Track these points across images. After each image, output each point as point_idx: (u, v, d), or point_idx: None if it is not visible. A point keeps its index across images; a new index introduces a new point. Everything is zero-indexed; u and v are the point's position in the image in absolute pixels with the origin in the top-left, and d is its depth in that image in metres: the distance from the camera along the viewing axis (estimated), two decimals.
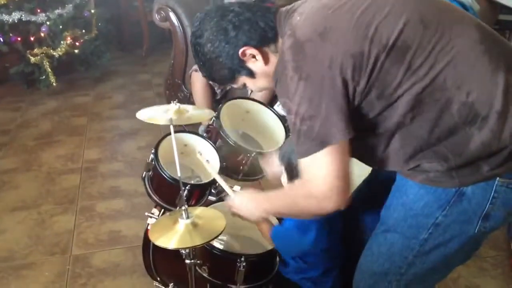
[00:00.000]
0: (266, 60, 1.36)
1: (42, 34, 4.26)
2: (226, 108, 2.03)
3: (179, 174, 1.41)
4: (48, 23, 4.24)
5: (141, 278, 2.35)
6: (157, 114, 1.68)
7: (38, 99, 4.53)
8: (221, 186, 2.01)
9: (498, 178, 1.24)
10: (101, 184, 3.22)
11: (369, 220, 1.66)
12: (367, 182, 1.79)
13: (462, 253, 1.40)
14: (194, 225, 1.36)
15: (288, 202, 1.40)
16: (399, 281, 1.43)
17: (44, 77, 4.41)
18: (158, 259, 2.01)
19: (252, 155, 1.90)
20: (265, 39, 1.34)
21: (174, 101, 1.71)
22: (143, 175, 1.90)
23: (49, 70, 4.33)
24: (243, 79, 1.44)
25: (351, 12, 1.21)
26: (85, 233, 2.76)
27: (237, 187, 1.97)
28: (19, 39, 4.29)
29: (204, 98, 3.37)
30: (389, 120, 1.24)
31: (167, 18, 3.71)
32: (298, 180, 1.35)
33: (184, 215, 1.36)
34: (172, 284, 2.01)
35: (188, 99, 3.67)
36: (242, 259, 1.62)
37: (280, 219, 1.69)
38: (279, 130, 2.08)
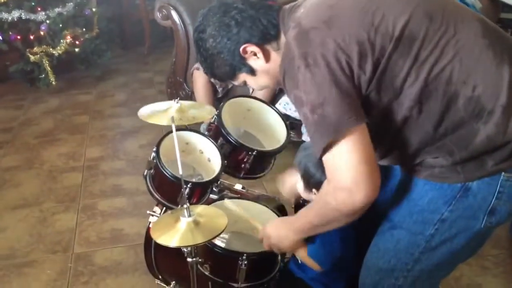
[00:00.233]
0: (267, 58, 1.36)
1: (42, 33, 4.27)
2: (228, 106, 2.02)
3: (180, 172, 1.40)
4: (48, 21, 4.24)
5: (143, 276, 2.36)
6: (159, 113, 1.68)
7: (40, 97, 4.53)
8: (223, 184, 2.02)
9: (503, 173, 1.24)
10: (103, 182, 3.23)
11: (374, 220, 1.65)
12: None
13: (468, 248, 1.40)
14: (196, 223, 1.36)
15: (318, 209, 1.34)
16: (406, 278, 1.43)
17: (43, 75, 4.42)
18: (160, 257, 2.01)
19: (254, 153, 1.90)
20: (267, 36, 1.34)
21: (176, 99, 1.71)
22: (145, 173, 1.89)
23: (49, 69, 4.35)
24: (244, 76, 1.43)
25: (357, 3, 1.21)
26: (87, 231, 2.76)
27: (238, 185, 1.97)
28: (18, 37, 4.30)
29: (206, 96, 3.38)
30: (395, 114, 1.23)
31: (168, 17, 3.71)
32: (324, 181, 1.30)
33: (185, 213, 1.35)
34: (173, 282, 2.01)
35: (190, 97, 3.67)
36: (244, 257, 1.62)
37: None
38: (280, 129, 2.08)
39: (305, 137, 3.00)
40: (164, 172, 1.77)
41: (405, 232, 1.38)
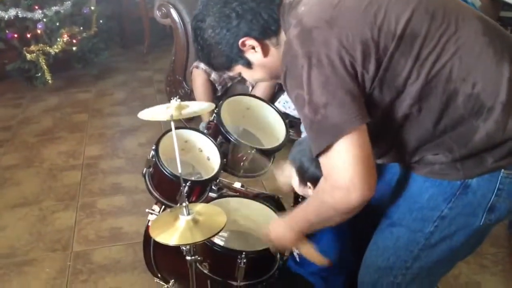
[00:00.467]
0: (265, 53, 1.35)
1: (39, 31, 4.26)
2: (227, 105, 2.03)
3: (179, 171, 1.40)
4: (44, 20, 4.24)
5: (142, 274, 2.36)
6: (158, 111, 1.68)
7: (39, 96, 4.53)
8: (221, 183, 2.02)
9: (503, 170, 1.24)
10: (102, 181, 3.23)
11: (373, 217, 1.65)
12: None
13: (467, 246, 1.40)
14: (195, 221, 1.36)
15: (315, 207, 1.35)
16: (405, 275, 1.42)
17: (40, 74, 4.41)
18: (158, 256, 2.01)
19: (253, 151, 1.90)
20: (267, 31, 1.32)
21: (175, 98, 1.71)
22: (144, 172, 1.90)
23: (45, 67, 4.34)
24: (239, 68, 1.42)
25: (359, 2, 1.20)
26: (86, 229, 2.76)
27: (237, 184, 1.97)
28: (15, 35, 4.30)
29: (205, 95, 3.38)
30: (396, 112, 1.23)
31: (168, 15, 3.71)
32: (321, 179, 1.29)
33: (185, 212, 1.35)
34: (172, 280, 2.01)
35: (189, 96, 3.67)
36: (243, 255, 1.62)
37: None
38: (279, 127, 2.08)
39: (305, 136, 3.00)
40: (163, 170, 1.77)
41: (405, 230, 1.38)
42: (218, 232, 1.35)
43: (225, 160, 1.91)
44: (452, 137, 1.23)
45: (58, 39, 4.32)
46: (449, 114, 1.20)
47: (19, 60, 4.39)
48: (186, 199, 1.42)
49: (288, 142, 2.01)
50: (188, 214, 1.35)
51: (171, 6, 3.67)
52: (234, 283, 1.67)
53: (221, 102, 2.02)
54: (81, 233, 2.73)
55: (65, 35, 4.35)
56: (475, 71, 1.18)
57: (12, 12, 4.16)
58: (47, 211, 2.92)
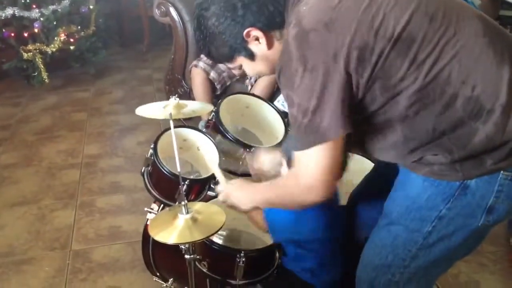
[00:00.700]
0: (269, 45, 1.33)
1: (36, 30, 4.26)
2: (226, 103, 2.03)
3: (178, 169, 1.40)
4: (41, 19, 4.23)
5: (141, 273, 2.36)
6: (157, 110, 1.67)
7: (38, 95, 4.52)
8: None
9: (502, 172, 1.24)
10: (101, 179, 3.22)
11: (371, 216, 1.65)
12: (368, 178, 1.79)
13: (465, 246, 1.40)
14: (194, 220, 1.36)
15: (277, 192, 1.43)
16: (402, 274, 1.43)
17: (36, 73, 4.41)
18: (157, 255, 2.01)
19: (251, 150, 1.90)
20: (272, 23, 1.31)
21: (174, 96, 1.71)
22: (142, 170, 1.90)
23: (42, 66, 4.33)
24: (241, 60, 1.40)
25: (358, 3, 1.19)
26: (85, 228, 2.76)
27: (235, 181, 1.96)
28: (12, 34, 4.30)
29: (204, 93, 3.37)
30: (392, 113, 1.23)
31: (167, 13, 3.71)
32: (289, 170, 1.37)
33: (183, 210, 1.35)
34: (171, 279, 2.01)
35: (188, 95, 3.67)
36: (242, 254, 1.62)
37: None
38: (278, 126, 2.08)
39: None
40: (162, 169, 1.77)
41: (403, 229, 1.38)
42: (217, 231, 1.35)
43: (223, 158, 1.91)
44: (451, 138, 1.22)
45: (55, 38, 4.31)
46: (448, 116, 1.20)
47: (16, 59, 4.39)
48: (185, 197, 1.42)
49: None
50: (187, 212, 1.35)
51: (170, 4, 3.66)
52: (233, 281, 1.67)
53: (220, 100, 2.03)
54: (80, 232, 2.73)
55: (62, 34, 4.34)
56: (475, 73, 1.18)
57: (9, 11, 4.15)
58: (46, 210, 2.92)
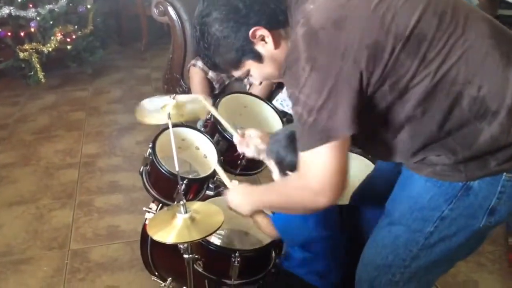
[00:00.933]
0: (276, 44, 1.30)
1: (32, 30, 4.25)
2: (224, 103, 2.02)
3: (177, 169, 1.40)
4: (38, 18, 4.22)
5: (139, 272, 2.35)
6: (156, 112, 1.67)
7: (36, 94, 4.52)
8: (220, 180, 2.01)
9: (505, 173, 1.24)
10: (100, 179, 3.22)
11: (372, 216, 1.65)
12: (370, 178, 1.79)
13: (466, 247, 1.39)
14: (192, 219, 1.36)
15: (282, 195, 1.40)
16: (403, 274, 1.42)
17: (32, 73, 4.40)
18: (156, 254, 2.01)
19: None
20: (276, 21, 1.29)
21: (172, 96, 1.70)
22: (141, 170, 1.89)
23: (38, 66, 4.32)
24: (249, 64, 1.35)
25: (368, 1, 1.18)
26: (83, 227, 2.75)
27: (235, 182, 1.96)
28: (9, 34, 4.29)
29: (203, 93, 3.37)
30: (399, 113, 1.22)
31: (165, 13, 3.70)
32: (294, 173, 1.33)
33: (182, 210, 1.35)
34: (170, 279, 2.01)
35: (187, 94, 3.66)
36: (237, 254, 1.62)
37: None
38: (277, 125, 2.08)
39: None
40: (160, 168, 1.77)
41: (404, 229, 1.37)
42: (215, 231, 1.35)
43: (222, 158, 1.91)
44: (456, 139, 1.22)
45: (52, 38, 4.30)
46: (454, 116, 1.19)
47: (12, 59, 4.38)
48: (184, 197, 1.41)
49: None
50: (185, 212, 1.35)
51: (168, 4, 3.66)
52: (229, 281, 1.66)
53: (218, 100, 2.02)
54: (79, 232, 2.72)
55: (59, 34, 4.33)
56: (481, 74, 1.18)
57: (5, 10, 4.15)
58: (44, 210, 2.91)
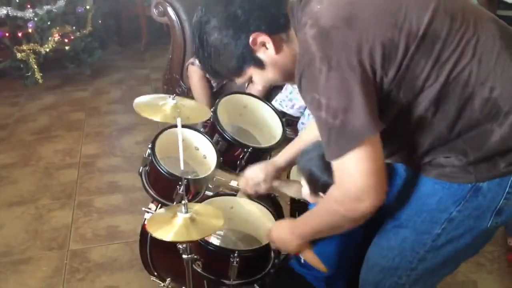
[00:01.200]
0: (277, 49, 1.27)
1: (30, 30, 4.25)
2: (224, 103, 2.03)
3: (182, 168, 1.39)
4: (35, 19, 4.22)
5: (139, 273, 2.35)
6: (155, 108, 1.66)
7: (36, 94, 4.51)
8: (219, 181, 2.01)
9: None
10: (99, 179, 3.22)
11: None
12: None
13: (472, 247, 1.39)
14: (192, 220, 1.36)
15: (324, 216, 1.35)
16: (409, 276, 1.41)
17: (30, 73, 4.40)
18: (155, 254, 2.01)
19: (249, 150, 1.90)
20: (276, 26, 1.26)
21: (172, 96, 1.70)
22: (140, 170, 1.89)
23: (35, 66, 4.32)
24: (251, 71, 1.33)
25: (377, 0, 1.17)
26: (82, 228, 2.76)
27: (234, 182, 1.97)
28: (7, 34, 4.30)
29: (203, 90, 3.36)
30: (411, 114, 1.21)
31: (165, 13, 3.71)
32: (331, 187, 1.29)
33: (183, 209, 1.35)
34: (169, 279, 2.01)
35: (186, 94, 3.66)
36: (236, 254, 1.61)
37: None
38: (276, 125, 2.08)
39: (311, 144, 2.99)
40: (159, 168, 1.77)
41: (411, 231, 1.36)
42: (215, 231, 1.35)
43: (221, 158, 1.91)
44: (466, 140, 1.21)
45: (49, 39, 4.30)
46: (465, 118, 1.19)
47: (10, 59, 4.38)
48: (185, 197, 1.41)
49: (285, 140, 2.01)
50: (187, 212, 1.35)
51: (168, 4, 3.67)
52: (227, 281, 1.66)
53: (218, 100, 2.02)
54: (78, 232, 2.73)
55: (56, 35, 4.33)
56: (494, 75, 1.17)
57: (3, 11, 4.15)
58: (44, 210, 2.92)
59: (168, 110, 1.56)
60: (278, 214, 1.86)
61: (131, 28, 5.71)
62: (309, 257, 1.62)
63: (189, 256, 1.53)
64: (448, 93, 1.17)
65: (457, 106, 1.18)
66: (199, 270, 1.69)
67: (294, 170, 1.94)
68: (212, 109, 1.95)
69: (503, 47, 1.19)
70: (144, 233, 2.00)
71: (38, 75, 4.35)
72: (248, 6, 1.25)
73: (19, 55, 4.27)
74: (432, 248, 1.35)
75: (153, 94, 1.65)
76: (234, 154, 1.93)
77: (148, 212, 1.94)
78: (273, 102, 3.04)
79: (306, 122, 2.94)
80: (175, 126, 1.90)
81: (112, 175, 3.27)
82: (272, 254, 1.75)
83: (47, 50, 4.31)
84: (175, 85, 3.84)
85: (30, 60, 4.29)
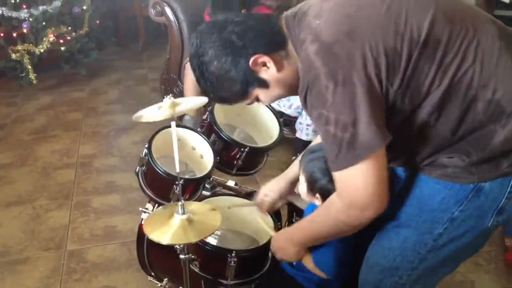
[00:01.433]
0: (278, 67, 1.27)
1: (25, 31, 4.25)
2: None
3: (177, 169, 1.39)
4: (30, 19, 4.22)
5: (136, 273, 2.35)
6: (153, 112, 1.65)
7: (33, 94, 4.51)
8: (215, 181, 2.02)
9: None
10: (96, 179, 3.22)
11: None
12: None
13: (473, 246, 1.39)
14: (189, 221, 1.35)
15: (325, 223, 1.37)
16: (410, 276, 1.41)
17: (24, 74, 4.39)
18: (152, 254, 2.01)
19: (246, 150, 1.90)
20: (274, 45, 1.27)
21: (168, 96, 1.69)
22: (137, 170, 1.89)
23: (29, 67, 4.31)
24: (256, 92, 1.33)
25: (376, 9, 1.17)
26: (80, 228, 2.75)
27: (231, 182, 1.97)
28: (2, 34, 4.30)
29: (194, 89, 3.31)
30: (415, 120, 1.21)
31: (162, 13, 3.71)
32: (332, 197, 1.30)
33: (180, 210, 1.35)
34: (166, 279, 2.00)
35: (184, 94, 3.66)
36: (233, 254, 1.61)
37: None
38: (273, 125, 2.08)
39: (299, 134, 3.00)
40: (156, 168, 1.77)
41: (413, 231, 1.36)
42: (212, 233, 1.35)
43: (218, 158, 1.91)
44: (470, 142, 1.21)
45: (44, 39, 4.29)
46: (468, 120, 1.19)
47: (4, 59, 4.38)
48: (182, 197, 1.41)
49: (283, 140, 2.01)
50: (183, 213, 1.35)
51: (165, 4, 3.66)
52: (225, 281, 1.66)
53: None
54: (75, 232, 2.72)
55: (51, 35, 4.32)
56: (495, 76, 1.17)
57: None
58: (41, 210, 2.91)
59: (166, 110, 1.56)
60: (275, 214, 1.86)
61: (129, 28, 5.70)
62: (311, 266, 1.63)
63: (186, 256, 1.52)
64: (451, 97, 1.17)
65: (461, 109, 1.18)
66: (196, 270, 1.68)
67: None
68: (209, 109, 1.95)
69: (503, 48, 1.19)
70: (141, 233, 2.00)
71: (32, 75, 4.33)
72: (241, 30, 1.26)
73: (14, 56, 4.26)
74: (434, 247, 1.35)
75: (150, 94, 1.64)
76: (231, 154, 1.93)
77: (145, 212, 1.93)
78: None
79: (304, 122, 2.95)
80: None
81: (110, 175, 3.26)
82: (270, 254, 1.74)
83: (42, 50, 4.30)
84: (172, 85, 3.84)
85: (25, 60, 4.28)
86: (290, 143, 3.17)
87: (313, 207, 1.62)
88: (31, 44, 4.30)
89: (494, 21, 1.25)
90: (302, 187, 1.60)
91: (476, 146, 1.21)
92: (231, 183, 2.10)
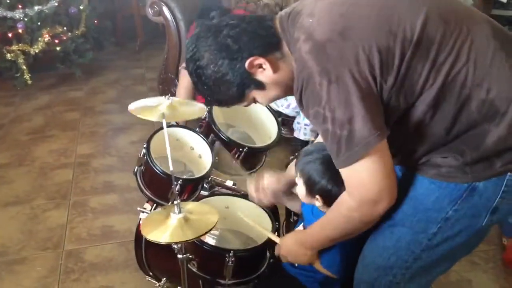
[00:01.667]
0: (274, 68, 1.28)
1: (20, 31, 4.24)
2: None
3: (171, 169, 1.40)
4: (25, 19, 4.21)
5: (134, 273, 2.35)
6: (150, 109, 1.66)
7: (31, 94, 4.50)
8: (214, 181, 2.01)
9: (509, 173, 1.24)
10: (94, 179, 3.22)
11: None
12: None
13: (467, 245, 1.40)
14: (186, 220, 1.36)
15: (338, 223, 1.37)
16: (404, 275, 1.42)
17: (19, 74, 4.38)
18: (150, 254, 2.01)
19: (245, 149, 1.90)
20: (269, 46, 1.28)
21: (167, 96, 1.70)
22: (135, 170, 1.89)
23: (24, 67, 4.31)
24: (253, 94, 1.35)
25: (369, 7, 1.18)
26: (77, 228, 2.75)
27: (229, 182, 1.97)
28: None
29: (185, 97, 3.28)
30: (409, 119, 1.22)
31: (160, 13, 3.70)
32: (342, 196, 1.31)
33: (176, 210, 1.35)
34: (164, 279, 2.00)
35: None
36: (231, 254, 1.62)
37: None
38: (271, 125, 2.09)
39: (297, 134, 3.01)
40: (154, 168, 1.77)
41: (407, 230, 1.37)
42: (209, 231, 1.35)
43: (217, 158, 1.91)
44: (464, 141, 1.22)
45: (39, 39, 4.28)
46: (462, 119, 1.20)
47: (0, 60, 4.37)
48: (178, 197, 1.41)
49: (281, 140, 2.01)
50: (180, 212, 1.35)
51: (163, 4, 3.66)
52: (223, 281, 1.67)
53: None
54: (73, 232, 2.72)
55: (46, 35, 4.31)
56: (489, 76, 1.18)
57: None
58: (39, 210, 2.91)
59: (163, 110, 1.56)
60: (273, 214, 1.86)
61: (127, 28, 5.70)
62: (320, 268, 1.62)
63: (184, 255, 1.52)
64: (446, 95, 1.17)
65: (455, 108, 1.18)
66: (194, 269, 1.69)
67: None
68: (207, 109, 1.95)
69: (497, 48, 1.20)
70: (139, 233, 2.00)
71: (27, 76, 4.33)
72: (236, 33, 1.27)
73: (8, 56, 4.26)
74: (428, 247, 1.35)
75: (148, 93, 1.65)
76: (230, 154, 1.93)
77: (143, 212, 1.93)
78: None
79: (302, 122, 2.95)
80: (170, 126, 1.91)
81: (107, 175, 3.26)
82: (268, 254, 1.75)
83: (37, 51, 4.29)
84: (170, 84, 3.83)
85: (19, 60, 4.28)
86: (288, 143, 3.18)
87: (310, 206, 1.62)
88: (26, 44, 4.29)
89: (489, 21, 1.26)
90: (300, 190, 1.60)
91: (470, 145, 1.22)
92: (229, 183, 2.10)
